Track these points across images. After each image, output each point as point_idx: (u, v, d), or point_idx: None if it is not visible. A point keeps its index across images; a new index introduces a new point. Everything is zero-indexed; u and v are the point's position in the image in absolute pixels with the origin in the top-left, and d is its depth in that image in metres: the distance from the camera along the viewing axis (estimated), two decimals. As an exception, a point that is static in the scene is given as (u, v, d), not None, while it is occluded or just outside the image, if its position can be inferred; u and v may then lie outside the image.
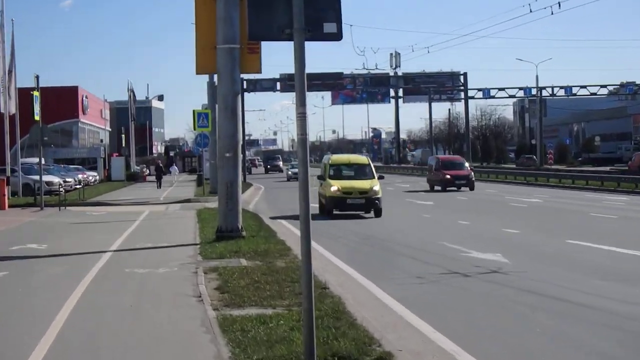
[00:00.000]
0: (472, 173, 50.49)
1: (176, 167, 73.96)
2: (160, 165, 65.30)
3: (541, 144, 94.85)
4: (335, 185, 29.70)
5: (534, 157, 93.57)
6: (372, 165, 32.05)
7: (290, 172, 72.69)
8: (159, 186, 58.02)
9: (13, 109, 43.95)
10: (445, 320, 10.85)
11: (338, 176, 30.67)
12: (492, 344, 9.62)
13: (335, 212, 29.64)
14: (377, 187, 29.54)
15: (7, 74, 43.30)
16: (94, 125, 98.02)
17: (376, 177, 30.67)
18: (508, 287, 13.38)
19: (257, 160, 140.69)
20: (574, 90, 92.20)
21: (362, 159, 33.07)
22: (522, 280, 14.02)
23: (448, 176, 48.37)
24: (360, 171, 31.21)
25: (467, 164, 51.66)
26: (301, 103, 8.09)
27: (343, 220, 27.74)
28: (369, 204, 29.30)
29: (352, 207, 29.47)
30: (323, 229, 23.73)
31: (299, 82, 8.08)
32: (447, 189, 47.69)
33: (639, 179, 45.81)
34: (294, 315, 10.40)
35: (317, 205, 31.05)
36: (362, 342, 8.99)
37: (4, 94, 42.80)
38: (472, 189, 47.54)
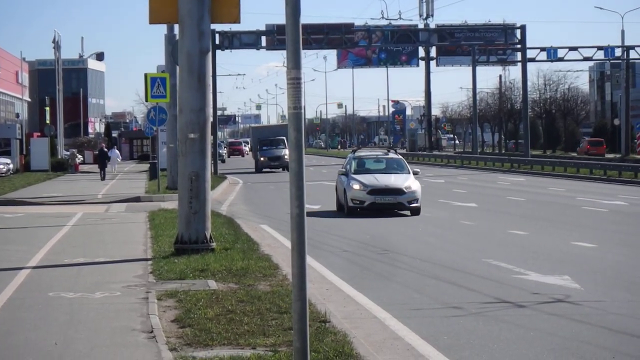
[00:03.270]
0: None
1: (117, 152, 73.79)
2: (105, 149, 65.58)
3: (628, 124, 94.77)
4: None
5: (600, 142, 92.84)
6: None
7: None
8: (103, 177, 59.10)
9: None
10: (491, 367, 10.85)
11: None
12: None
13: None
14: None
15: None
16: (7, 93, 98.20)
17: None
18: (579, 323, 13.36)
19: (244, 146, 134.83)
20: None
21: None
22: (598, 314, 14.00)
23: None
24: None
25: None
26: (294, 65, 8.09)
27: (355, 226, 27.72)
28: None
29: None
30: (324, 239, 23.73)
31: (291, 36, 8.07)
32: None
33: None
34: (281, 359, 10.41)
35: (317, 207, 31.03)
36: (376, 397, 9.01)
37: None
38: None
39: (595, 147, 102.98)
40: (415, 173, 33.33)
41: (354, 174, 32.70)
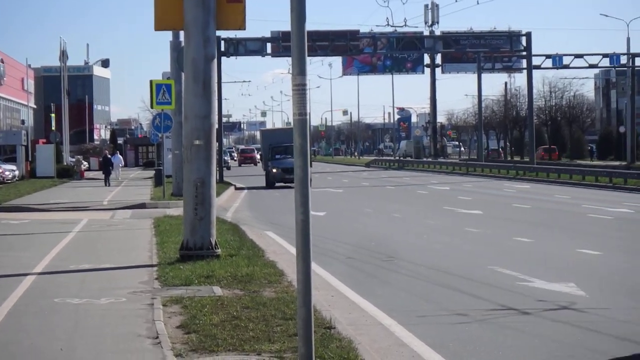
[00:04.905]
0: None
1: (120, 158, 73.93)
2: (109, 156, 67.25)
3: (633, 131, 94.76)
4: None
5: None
6: None
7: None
8: (107, 183, 60.68)
9: None
10: (496, 374, 10.86)
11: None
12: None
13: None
14: None
15: None
16: (13, 100, 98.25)
17: None
18: (584, 330, 13.37)
19: (256, 153, 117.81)
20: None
21: None
22: (604, 321, 14.01)
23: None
24: None
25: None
26: (300, 71, 8.11)
27: (360, 234, 27.73)
28: None
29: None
30: (330, 246, 23.74)
31: (297, 43, 8.10)
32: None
33: None
34: (286, 365, 10.42)
35: (323, 214, 31.05)
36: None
37: None
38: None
39: (547, 153, 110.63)
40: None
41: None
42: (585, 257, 21.99)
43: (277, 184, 57.92)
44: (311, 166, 51.15)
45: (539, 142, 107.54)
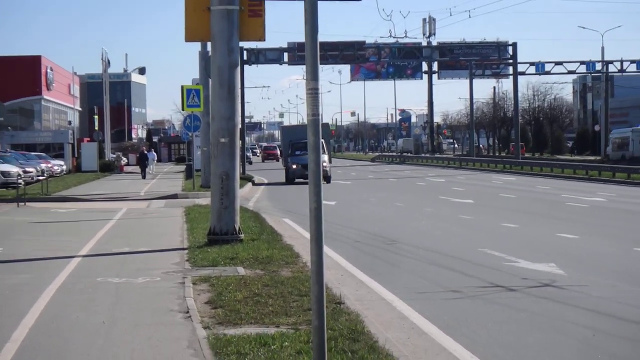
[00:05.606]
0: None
1: (154, 154, 73.95)
2: (145, 152, 67.50)
3: (607, 130, 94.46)
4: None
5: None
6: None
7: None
8: (144, 176, 61.48)
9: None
10: (487, 345, 10.85)
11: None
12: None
13: None
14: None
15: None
16: (61, 103, 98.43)
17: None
18: (564, 305, 13.35)
19: (277, 149, 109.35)
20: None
21: None
22: (581, 297, 13.98)
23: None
24: None
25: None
26: (313, 77, 8.10)
27: (366, 221, 27.71)
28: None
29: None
30: (340, 231, 23.73)
31: (310, 52, 8.08)
32: None
33: None
34: (301, 336, 10.42)
35: (333, 203, 31.02)
36: (385, 369, 9.01)
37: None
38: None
39: (501, 149, 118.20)
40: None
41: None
42: (564, 241, 21.94)
43: (297, 180, 51.89)
44: (330, 162, 49.14)
45: (524, 140, 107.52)
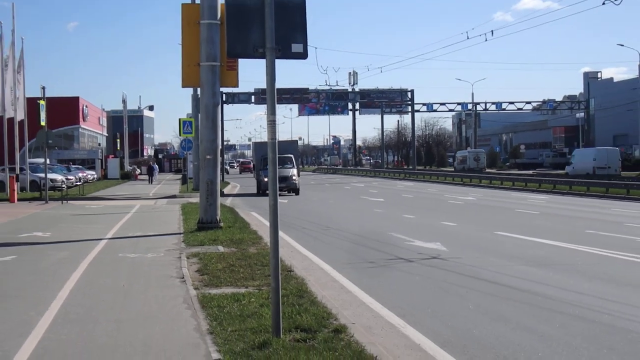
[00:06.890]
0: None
1: (156, 166, 73.00)
2: (152, 165, 68.45)
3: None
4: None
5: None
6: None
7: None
8: (151, 182, 61.00)
9: (22, 115, 43.72)
10: (392, 299, 10.91)
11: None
12: (433, 318, 9.69)
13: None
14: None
15: (17, 85, 42.95)
16: (93, 130, 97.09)
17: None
18: (446, 271, 13.47)
19: (252, 163, 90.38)
20: (504, 105, 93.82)
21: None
22: (458, 265, 14.12)
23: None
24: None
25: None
26: (272, 111, 8.11)
27: (310, 214, 27.70)
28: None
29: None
30: (291, 221, 23.71)
31: (269, 94, 8.10)
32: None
33: (557, 181, 46.49)
34: (263, 294, 10.40)
35: (286, 201, 30.97)
36: (322, 316, 9.02)
37: (14, 103, 42.50)
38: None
39: (399, 163, 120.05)
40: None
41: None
42: (447, 227, 22.13)
43: (268, 192, 46.45)
44: (299, 176, 46.57)
45: (418, 157, 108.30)
